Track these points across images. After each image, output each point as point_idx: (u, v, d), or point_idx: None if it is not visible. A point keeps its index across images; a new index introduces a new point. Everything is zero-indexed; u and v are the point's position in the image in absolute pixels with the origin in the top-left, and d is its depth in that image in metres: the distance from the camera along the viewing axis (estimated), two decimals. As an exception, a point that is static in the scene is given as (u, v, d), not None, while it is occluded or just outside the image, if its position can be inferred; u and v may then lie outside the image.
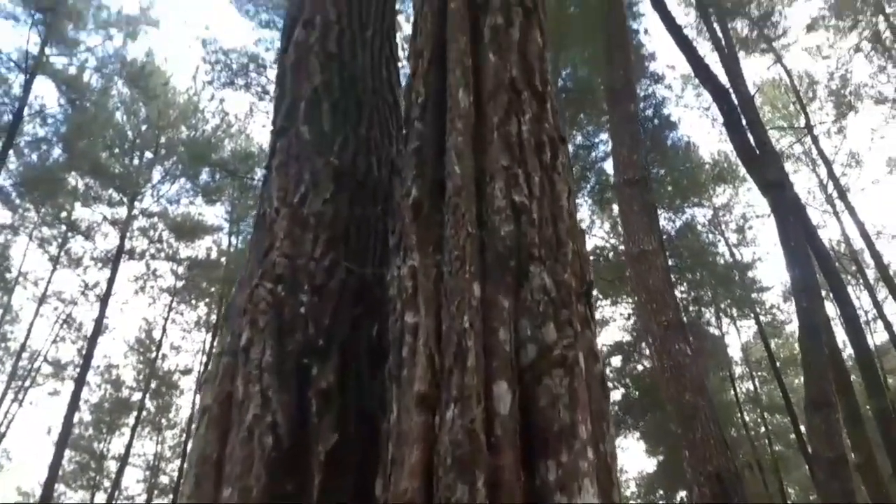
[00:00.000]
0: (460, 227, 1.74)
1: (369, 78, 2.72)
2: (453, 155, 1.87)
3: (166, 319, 25.88)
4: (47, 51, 20.43)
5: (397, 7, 3.60)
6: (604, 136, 18.20)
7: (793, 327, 22.16)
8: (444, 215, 1.83)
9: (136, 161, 24.80)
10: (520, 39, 2.15)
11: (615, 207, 16.08)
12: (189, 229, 24.80)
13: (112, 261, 22.63)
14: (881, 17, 22.12)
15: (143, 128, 24.85)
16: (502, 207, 1.79)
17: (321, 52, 2.63)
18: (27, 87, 19.80)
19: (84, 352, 21.27)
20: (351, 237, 2.18)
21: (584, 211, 19.45)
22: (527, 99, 2.00)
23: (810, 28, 22.73)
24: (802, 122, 23.66)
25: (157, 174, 24.93)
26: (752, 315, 23.06)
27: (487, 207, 1.82)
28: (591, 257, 2.34)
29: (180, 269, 25.83)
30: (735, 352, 25.84)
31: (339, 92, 2.54)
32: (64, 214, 24.41)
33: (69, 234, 25.26)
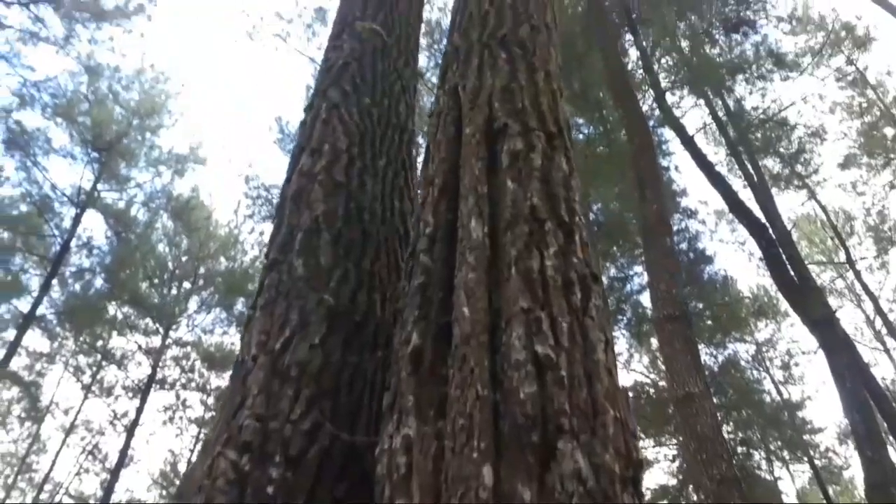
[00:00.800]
0: (468, 387, 1.38)
1: (379, 207, 2.49)
2: (463, 294, 1.54)
3: (192, 451, 25.08)
4: (99, 186, 21.59)
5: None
6: (638, 268, 17.91)
7: (851, 472, 20.28)
8: (450, 369, 1.48)
9: (174, 291, 25.27)
10: (542, 165, 1.89)
11: (654, 340, 15.41)
12: (221, 359, 24.66)
13: (143, 390, 22.42)
14: (915, 153, 22.13)
15: (184, 259, 25.54)
16: (522, 361, 1.41)
17: (327, 180, 2.42)
18: (77, 220, 20.74)
19: (106, 485, 20.53)
20: (341, 392, 1.82)
21: (622, 344, 18.72)
22: (551, 230, 1.69)
23: (844, 166, 22.77)
24: (842, 256, 23.13)
25: (193, 304, 25.27)
26: (806, 459, 21.27)
27: (503, 361, 1.44)
28: (631, 394, 1.89)
29: (210, 400, 25.40)
30: (790, 499, 23.59)
31: (342, 222, 2.30)
32: (100, 343, 24.63)
33: (103, 363, 25.33)
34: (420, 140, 4.94)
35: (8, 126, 17.82)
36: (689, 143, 14.26)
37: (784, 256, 12.24)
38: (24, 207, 20.24)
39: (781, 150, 20.96)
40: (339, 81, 2.98)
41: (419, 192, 2.11)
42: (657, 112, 15.72)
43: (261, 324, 1.94)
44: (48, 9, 14.75)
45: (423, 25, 4.73)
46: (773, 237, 12.62)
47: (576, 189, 1.90)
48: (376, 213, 2.46)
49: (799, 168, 21.88)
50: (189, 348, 24.75)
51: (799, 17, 20.12)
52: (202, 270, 25.56)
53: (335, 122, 2.68)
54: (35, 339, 24.08)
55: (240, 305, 24.52)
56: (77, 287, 23.15)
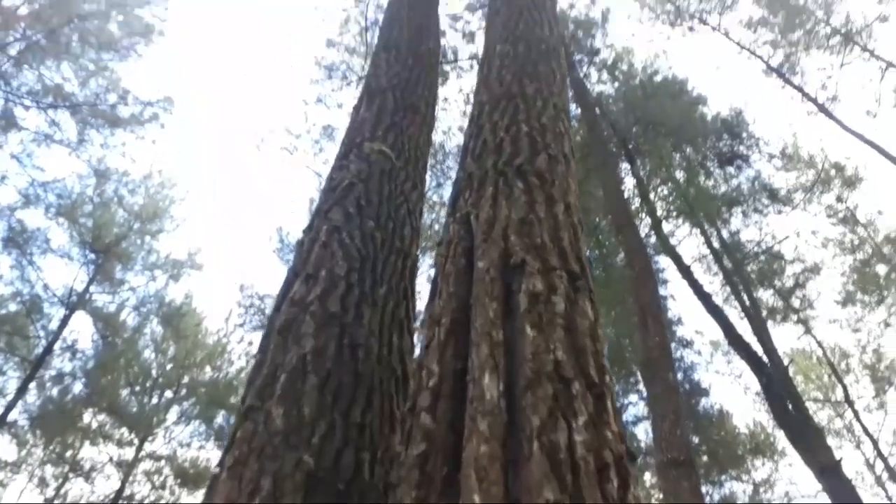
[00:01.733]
0: None
1: (375, 344, 2.23)
2: (473, 475, 1.25)
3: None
4: (92, 288, 21.32)
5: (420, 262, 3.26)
6: (633, 396, 17.31)
7: None
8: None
9: (154, 400, 24.34)
10: (565, 310, 1.65)
11: (648, 475, 14.58)
12: (194, 476, 23.29)
13: (109, 507, 20.96)
14: (908, 296, 22.15)
15: (169, 367, 24.82)
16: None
17: (320, 311, 2.18)
18: (64, 322, 20.29)
19: None
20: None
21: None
22: (579, 393, 1.42)
23: (843, 304, 22.74)
24: (839, 394, 22.58)
25: (173, 415, 24.27)
26: None
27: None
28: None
29: (180, 519, 23.72)
30: None
31: (332, 361, 2.03)
32: (69, 453, 23.35)
33: (70, 475, 23.88)
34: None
35: (10, 224, 17.86)
36: (686, 272, 14.21)
37: (783, 394, 11.84)
38: (13, 307, 19.84)
39: (777, 283, 21.00)
40: (342, 202, 2.82)
41: (424, 330, 1.86)
42: (653, 240, 15.84)
43: (227, 489, 1.62)
44: (65, 113, 15.19)
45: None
46: (772, 373, 12.27)
47: (603, 340, 1.65)
48: (372, 350, 2.20)
49: (794, 302, 21.83)
50: (163, 462, 23.44)
51: (790, 155, 20.82)
52: (186, 379, 24.76)
53: (335, 246, 2.49)
54: (2, 446, 22.83)
55: (220, 418, 23.54)
56: (55, 391, 22.29)
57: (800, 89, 18.04)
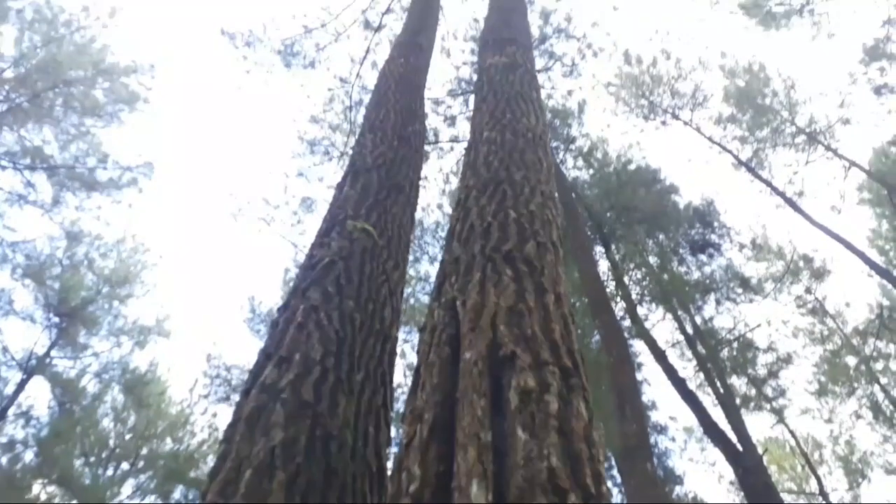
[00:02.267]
0: None
1: (350, 436, 2.08)
2: None
3: None
4: (53, 353, 20.54)
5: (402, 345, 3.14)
6: (608, 483, 16.84)
7: None
8: None
9: (109, 472, 23.05)
10: (559, 411, 1.54)
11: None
12: (145, 558, 21.76)
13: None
14: (877, 387, 22.31)
15: (127, 437, 23.67)
16: None
17: (292, 398, 2.04)
18: (21, 386, 19.40)
19: None
20: None
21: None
22: (576, 507, 1.30)
23: (817, 395, 22.79)
24: (813, 485, 22.30)
25: (128, 488, 22.94)
26: None
27: None
28: None
29: None
30: None
31: (303, 455, 1.88)
32: (13, 530, 21.77)
33: (13, 551, 22.18)
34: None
35: (-29, 285, 17.31)
36: (660, 357, 14.17)
37: (759, 485, 11.61)
38: (-35, 371, 18.97)
39: (750, 371, 21.03)
40: (321, 281, 2.72)
41: (404, 425, 1.73)
42: (627, 323, 15.85)
43: None
44: (42, 174, 15.05)
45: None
46: (748, 463, 12.07)
47: (599, 445, 1.54)
48: (346, 442, 2.05)
49: (767, 391, 21.81)
50: (113, 544, 21.94)
51: (760, 245, 21.33)
52: (145, 451, 23.58)
53: (311, 328, 2.37)
54: (-59, 518, 21.22)
55: (178, 493, 22.32)
56: (4, 460, 21.01)
57: (768, 183, 18.71)
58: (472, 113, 4.24)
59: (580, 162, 15.55)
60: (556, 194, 3.00)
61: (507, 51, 4.47)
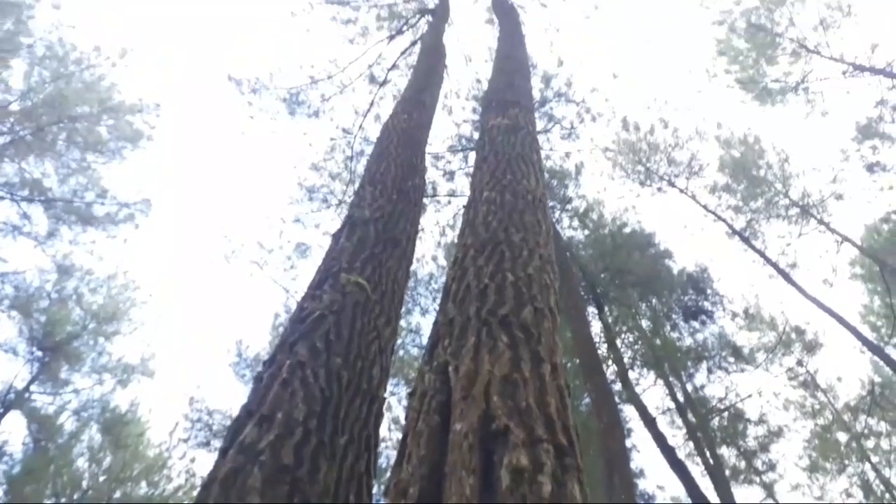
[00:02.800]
0: None
1: (330, 504, 1.98)
2: None
3: None
4: (33, 387, 20.06)
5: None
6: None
7: None
8: None
9: (79, 516, 22.17)
10: (552, 493, 1.46)
11: None
12: None
13: None
14: (868, 465, 21.94)
15: (102, 478, 22.90)
16: None
17: (271, 461, 1.93)
18: (-3, 421, 18.88)
19: None
20: None
21: None
22: None
23: (809, 471, 22.38)
24: (804, 561, 21.64)
25: (101, 533, 22.04)
26: None
27: None
28: None
29: None
30: None
31: (280, 526, 1.77)
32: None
33: None
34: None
35: (-45, 316, 17.05)
36: (650, 423, 13.93)
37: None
38: (-59, 402, 18.51)
39: (740, 443, 20.66)
40: (310, 335, 2.65)
41: (387, 498, 1.63)
42: (618, 387, 15.63)
43: None
44: (38, 206, 15.01)
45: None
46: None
47: (593, 532, 1.45)
48: (326, 511, 1.94)
49: (757, 463, 21.40)
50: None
51: (753, 315, 21.28)
52: (118, 494, 22.79)
53: (296, 385, 2.28)
54: None
55: (147, 543, 21.44)
56: (-28, 501, 20.22)
57: (761, 253, 18.83)
58: (472, 170, 4.25)
59: (576, 222, 15.65)
60: (554, 258, 2.96)
61: (509, 112, 4.52)
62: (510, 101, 4.89)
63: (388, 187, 4.58)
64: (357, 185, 5.10)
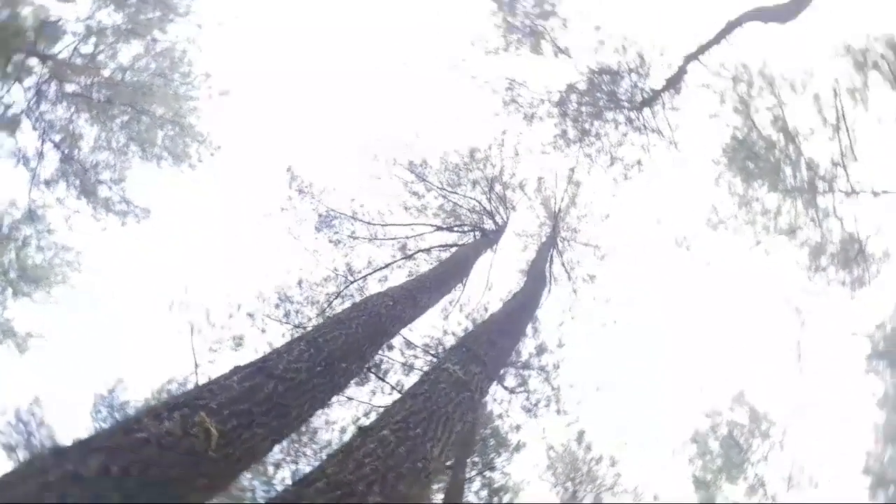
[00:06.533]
0: None
1: None
2: None
3: None
4: None
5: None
6: None
7: None
8: None
9: None
10: None
11: None
12: None
13: None
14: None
15: None
16: None
17: None
18: None
19: None
20: None
21: None
22: None
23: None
24: None
25: None
26: None
27: None
28: None
29: None
30: None
31: None
32: None
33: None
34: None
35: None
36: None
37: None
38: None
39: None
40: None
41: None
42: None
43: None
44: (56, 155, 15.06)
45: None
46: None
47: None
48: None
49: None
50: None
51: None
52: None
53: None
54: None
55: None
56: None
57: None
58: (399, 395, 4.03)
59: (484, 491, 14.77)
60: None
61: (470, 368, 4.39)
62: (479, 358, 4.78)
63: (321, 358, 4.35)
64: (321, 321, 4.88)
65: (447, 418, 3.60)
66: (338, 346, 4.73)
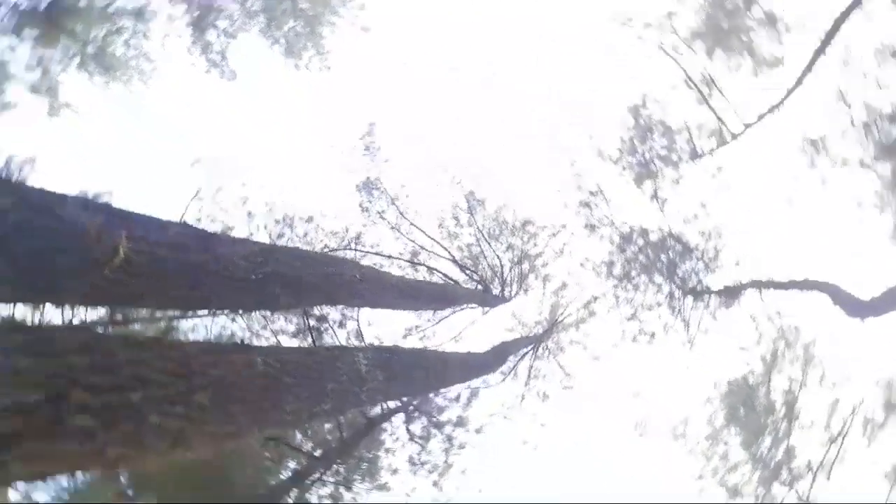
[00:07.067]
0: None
1: None
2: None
3: None
4: None
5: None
6: None
7: None
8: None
9: None
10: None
11: None
12: None
13: None
14: None
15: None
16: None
17: None
18: None
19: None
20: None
21: None
22: None
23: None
24: None
25: None
26: None
27: None
28: None
29: None
30: None
31: None
32: None
33: None
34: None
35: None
36: None
37: None
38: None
39: None
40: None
41: None
42: None
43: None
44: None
45: None
46: None
47: None
48: None
49: None
50: None
51: None
52: None
53: None
54: None
55: None
56: None
57: None
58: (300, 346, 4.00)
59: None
60: None
61: (374, 370, 4.37)
62: (391, 370, 4.75)
63: (264, 271, 4.38)
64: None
65: (321, 390, 3.57)
66: (287, 273, 4.76)
